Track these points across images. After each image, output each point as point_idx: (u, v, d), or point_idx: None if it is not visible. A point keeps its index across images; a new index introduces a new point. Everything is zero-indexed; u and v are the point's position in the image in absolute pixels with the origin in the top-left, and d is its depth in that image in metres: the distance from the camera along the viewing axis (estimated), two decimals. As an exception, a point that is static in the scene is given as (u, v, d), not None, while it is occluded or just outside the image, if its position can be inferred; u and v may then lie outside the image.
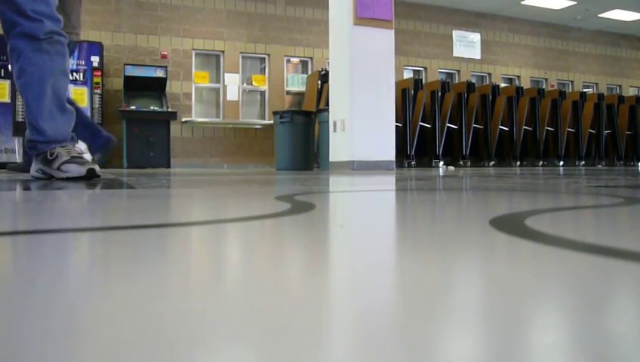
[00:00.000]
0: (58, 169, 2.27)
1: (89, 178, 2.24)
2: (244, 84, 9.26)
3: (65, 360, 0.23)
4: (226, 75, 9.04)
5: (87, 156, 3.28)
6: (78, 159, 2.28)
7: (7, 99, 7.17)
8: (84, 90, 7.47)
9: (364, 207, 1.11)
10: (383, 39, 5.33)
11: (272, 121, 6.99)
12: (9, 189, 1.73)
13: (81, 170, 2.24)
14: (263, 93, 9.40)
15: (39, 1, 2.27)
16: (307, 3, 9.54)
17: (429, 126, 8.00)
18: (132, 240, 0.60)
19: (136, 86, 7.85)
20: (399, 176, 3.19)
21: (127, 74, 7.81)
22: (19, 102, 6.87)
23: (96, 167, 2.28)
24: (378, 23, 5.29)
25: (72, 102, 2.88)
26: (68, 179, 2.23)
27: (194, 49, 8.82)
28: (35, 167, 2.38)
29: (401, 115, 7.44)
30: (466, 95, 8.33)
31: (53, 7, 2.33)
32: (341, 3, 5.32)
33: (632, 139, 10.08)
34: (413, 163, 7.69)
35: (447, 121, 8.10)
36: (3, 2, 2.24)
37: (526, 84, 10.98)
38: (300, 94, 9.41)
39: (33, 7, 2.25)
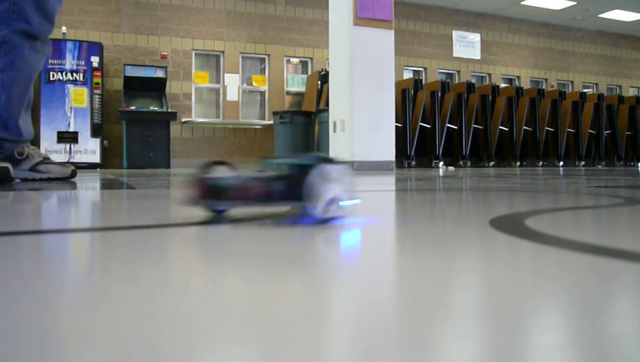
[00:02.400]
0: (33, 170, 2.21)
1: (70, 177, 2.26)
2: (244, 85, 9.25)
3: (64, 359, 0.23)
4: (225, 75, 9.03)
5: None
6: (49, 160, 2.28)
7: None
8: (84, 90, 7.46)
9: (363, 208, 1.10)
10: (383, 39, 5.33)
11: (272, 122, 7.00)
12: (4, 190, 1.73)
13: (64, 171, 2.25)
14: (262, 93, 9.40)
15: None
16: (307, 3, 9.53)
17: (428, 126, 8.00)
18: (132, 241, 0.60)
19: (136, 86, 7.84)
20: (399, 176, 3.18)
21: (127, 74, 7.81)
22: None
23: (73, 167, 2.33)
24: (378, 24, 5.28)
25: None
26: (49, 179, 2.22)
27: (194, 49, 8.82)
28: None
29: (401, 115, 7.44)
30: (465, 95, 8.33)
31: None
32: (341, 3, 5.31)
33: (632, 139, 10.08)
34: (413, 163, 7.68)
35: (447, 121, 8.09)
36: None
37: (526, 85, 10.98)
38: (299, 94, 9.41)
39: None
